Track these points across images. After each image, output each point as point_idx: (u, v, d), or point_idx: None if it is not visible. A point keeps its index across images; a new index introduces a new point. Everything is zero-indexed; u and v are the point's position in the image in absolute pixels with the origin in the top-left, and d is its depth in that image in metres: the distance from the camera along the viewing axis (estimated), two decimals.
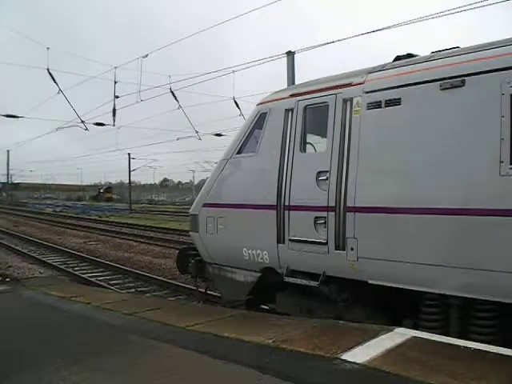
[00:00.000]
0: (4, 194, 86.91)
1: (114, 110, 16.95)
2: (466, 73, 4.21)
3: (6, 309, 6.44)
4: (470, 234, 4.08)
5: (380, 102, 4.78)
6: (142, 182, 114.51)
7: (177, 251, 8.16)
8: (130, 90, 17.23)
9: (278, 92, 6.24)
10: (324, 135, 5.36)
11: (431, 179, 4.34)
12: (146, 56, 15.69)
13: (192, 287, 8.90)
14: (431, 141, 4.40)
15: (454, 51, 4.60)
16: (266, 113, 6.05)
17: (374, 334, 4.10)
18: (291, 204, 5.45)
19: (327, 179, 5.10)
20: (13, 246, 17.50)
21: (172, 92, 16.73)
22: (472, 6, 8.89)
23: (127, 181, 58.12)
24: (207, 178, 7.38)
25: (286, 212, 5.49)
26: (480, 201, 4.02)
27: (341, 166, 5.01)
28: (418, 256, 4.37)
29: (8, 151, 66.94)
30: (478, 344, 3.82)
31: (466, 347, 3.74)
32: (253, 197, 5.96)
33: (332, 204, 5.02)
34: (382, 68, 5.04)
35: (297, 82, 12.32)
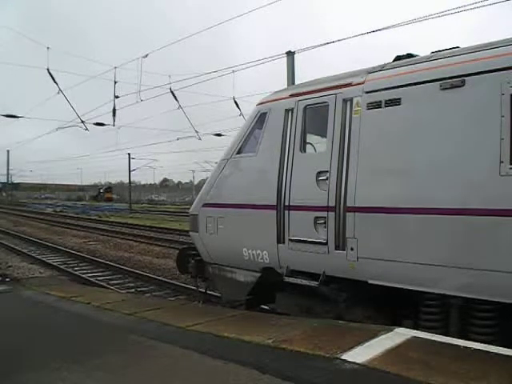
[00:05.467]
0: (4, 194, 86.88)
1: (114, 110, 16.98)
2: (466, 73, 4.21)
3: (6, 309, 6.44)
4: (469, 233, 4.07)
5: (380, 102, 4.78)
6: (142, 182, 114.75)
7: (177, 251, 8.17)
8: (130, 90, 17.33)
9: (277, 92, 6.24)
10: (324, 135, 5.36)
11: (431, 179, 4.34)
12: (146, 56, 15.71)
13: (192, 287, 8.90)
14: (431, 141, 4.40)
15: (454, 51, 4.60)
16: (265, 113, 6.05)
17: (374, 334, 4.09)
18: (291, 204, 5.45)
19: (327, 179, 5.10)
20: (13, 245, 17.47)
21: (172, 92, 16.76)
22: (472, 6, 8.90)
23: (127, 181, 58.12)
24: (207, 178, 7.38)
25: (286, 212, 5.49)
26: (480, 201, 4.01)
27: (341, 166, 5.01)
28: (418, 256, 4.37)
29: (8, 151, 67.08)
30: (478, 344, 3.82)
31: (466, 347, 3.74)
32: (253, 197, 5.96)
33: (332, 204, 5.02)
34: (382, 68, 5.04)
35: (297, 82, 12.32)
